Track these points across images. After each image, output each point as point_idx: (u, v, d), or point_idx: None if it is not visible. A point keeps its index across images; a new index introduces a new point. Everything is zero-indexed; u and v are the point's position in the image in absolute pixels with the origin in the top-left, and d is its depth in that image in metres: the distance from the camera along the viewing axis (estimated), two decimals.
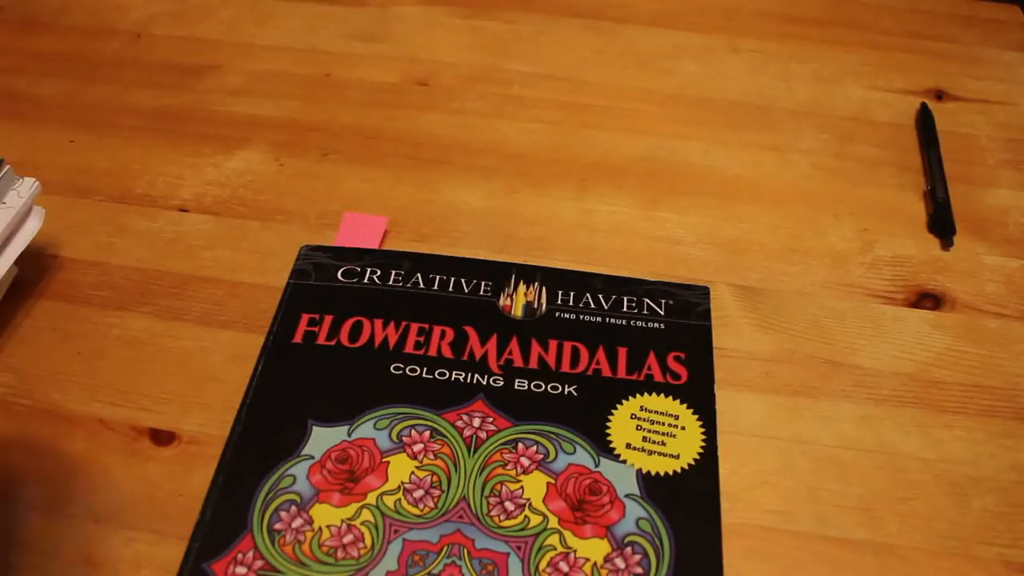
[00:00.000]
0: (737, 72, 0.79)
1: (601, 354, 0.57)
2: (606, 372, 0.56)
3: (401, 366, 0.56)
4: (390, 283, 0.61)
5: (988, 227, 0.67)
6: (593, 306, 0.60)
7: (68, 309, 0.61)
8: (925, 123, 0.73)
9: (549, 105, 0.75)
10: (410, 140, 0.72)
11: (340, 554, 0.47)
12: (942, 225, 0.66)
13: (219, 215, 0.65)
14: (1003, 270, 0.65)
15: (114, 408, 0.56)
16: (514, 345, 0.57)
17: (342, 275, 0.61)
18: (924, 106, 0.75)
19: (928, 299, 0.63)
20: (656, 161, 0.71)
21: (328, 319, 0.58)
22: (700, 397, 0.55)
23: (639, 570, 0.47)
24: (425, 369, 0.56)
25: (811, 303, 0.62)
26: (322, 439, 0.52)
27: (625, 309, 0.60)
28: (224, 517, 0.49)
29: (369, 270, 0.62)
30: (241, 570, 0.47)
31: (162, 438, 0.55)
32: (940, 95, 0.77)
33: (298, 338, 0.57)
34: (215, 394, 0.57)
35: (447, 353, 0.57)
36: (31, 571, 0.49)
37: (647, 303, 0.60)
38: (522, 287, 0.61)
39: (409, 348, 0.57)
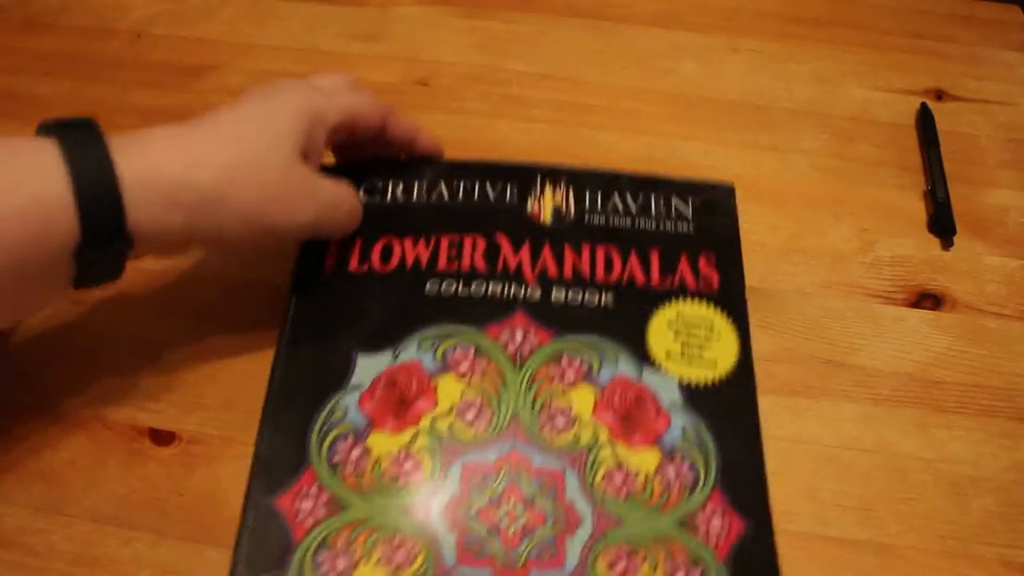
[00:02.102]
0: (737, 72, 0.79)
1: (634, 260, 0.58)
2: (640, 279, 0.57)
3: (437, 283, 0.56)
4: (414, 198, 0.60)
5: (988, 227, 0.67)
6: (622, 209, 0.60)
7: (68, 308, 0.60)
8: (925, 123, 0.73)
9: (549, 105, 0.75)
10: None
11: (402, 481, 0.49)
12: (942, 225, 0.66)
13: None
14: (1003, 270, 0.65)
15: (114, 408, 0.56)
16: (547, 253, 0.58)
17: (364, 191, 0.60)
18: (924, 106, 0.75)
19: (928, 299, 0.63)
20: (656, 161, 0.71)
21: (357, 243, 0.58)
22: (733, 304, 0.57)
23: (689, 478, 0.50)
24: (461, 283, 0.56)
25: (811, 303, 0.62)
26: (368, 367, 0.53)
27: (653, 211, 0.60)
28: (281, 453, 0.50)
29: (391, 183, 0.61)
30: (307, 504, 0.48)
31: (162, 438, 0.55)
32: (940, 95, 0.77)
33: (329, 267, 0.57)
34: (215, 394, 0.57)
35: (480, 265, 0.57)
36: (31, 571, 0.49)
37: (675, 204, 0.61)
38: (548, 190, 0.61)
39: (442, 264, 0.57)
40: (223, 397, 0.57)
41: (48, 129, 0.46)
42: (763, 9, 0.84)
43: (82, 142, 0.45)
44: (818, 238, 0.66)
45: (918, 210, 0.68)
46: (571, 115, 0.75)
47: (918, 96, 0.76)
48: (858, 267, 0.65)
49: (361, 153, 0.61)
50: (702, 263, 0.58)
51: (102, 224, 0.45)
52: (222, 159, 0.49)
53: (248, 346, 0.59)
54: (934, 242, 0.67)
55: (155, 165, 0.47)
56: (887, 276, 0.64)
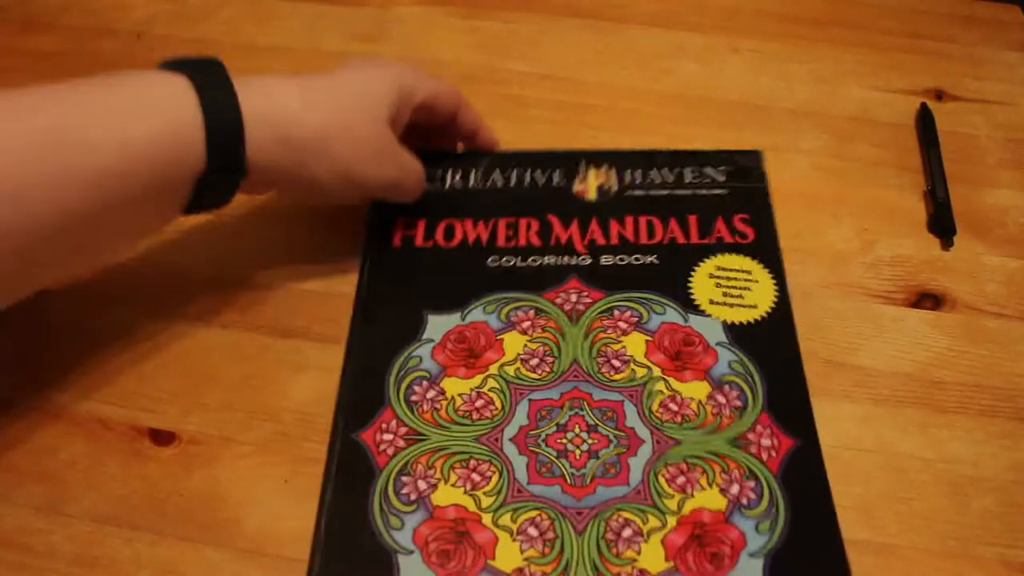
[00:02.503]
0: (737, 72, 0.79)
1: (674, 224, 0.64)
2: (681, 240, 0.63)
3: (497, 259, 0.62)
4: (471, 184, 0.66)
5: (988, 227, 0.67)
6: (659, 181, 0.66)
7: (68, 308, 0.61)
8: (925, 123, 0.73)
9: (549, 105, 0.75)
10: None
11: (475, 416, 0.55)
12: (942, 225, 0.66)
13: (221, 215, 0.65)
14: (1003, 270, 0.65)
15: (114, 408, 0.56)
16: (594, 226, 0.64)
17: (425, 179, 0.63)
18: (924, 106, 0.75)
19: (928, 299, 0.63)
20: None
21: (421, 223, 0.64)
22: (768, 253, 0.63)
23: (738, 403, 0.55)
24: (519, 259, 0.62)
25: (811, 303, 0.62)
26: (438, 325, 0.59)
27: (688, 180, 0.67)
28: (363, 395, 0.55)
29: (450, 171, 0.67)
30: (388, 436, 0.54)
31: (162, 438, 0.55)
32: (940, 95, 0.77)
33: (397, 242, 0.63)
34: (215, 394, 0.57)
35: (536, 242, 0.63)
36: (31, 571, 0.49)
37: (708, 172, 0.67)
38: (592, 171, 0.67)
39: (501, 242, 0.63)
40: (223, 398, 0.57)
41: (175, 65, 0.51)
42: (763, 9, 0.84)
43: (209, 78, 0.51)
44: (818, 238, 0.66)
45: (918, 210, 0.68)
46: (571, 115, 0.75)
47: (918, 96, 0.76)
48: (858, 267, 0.65)
49: (426, 141, 0.65)
50: (737, 222, 0.64)
51: (225, 152, 0.51)
52: (331, 106, 0.55)
53: (250, 348, 0.59)
54: (934, 242, 0.67)
55: (273, 101, 0.53)
56: (887, 276, 0.64)
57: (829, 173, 0.71)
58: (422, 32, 0.82)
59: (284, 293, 0.62)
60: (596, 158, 0.68)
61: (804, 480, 0.52)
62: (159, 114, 0.49)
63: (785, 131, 0.74)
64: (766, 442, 0.53)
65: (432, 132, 0.66)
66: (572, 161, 0.68)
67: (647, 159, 0.68)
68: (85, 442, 0.55)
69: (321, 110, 0.54)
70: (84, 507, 0.52)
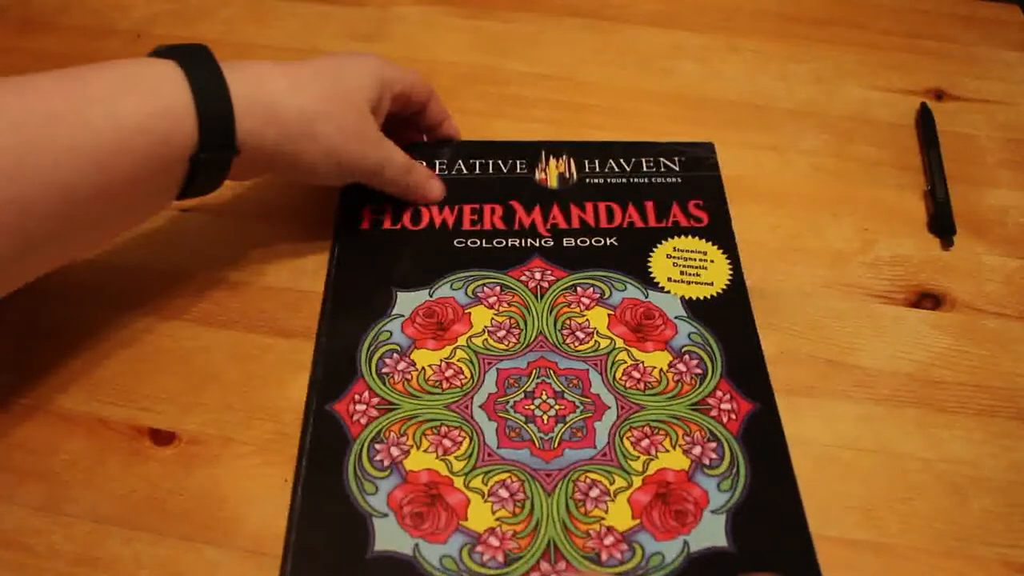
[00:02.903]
0: (736, 72, 0.79)
1: (632, 209, 0.66)
2: (639, 223, 0.65)
3: (463, 240, 0.64)
4: (436, 172, 0.68)
5: (988, 227, 0.67)
6: (617, 170, 0.69)
7: (68, 308, 0.61)
8: (925, 123, 0.73)
9: (548, 105, 0.75)
10: None
11: (445, 385, 0.56)
12: (942, 225, 0.67)
13: (220, 215, 0.65)
14: (1003, 270, 0.65)
15: (114, 408, 0.56)
16: (556, 211, 0.66)
17: None
18: (924, 106, 0.75)
19: (928, 299, 0.63)
20: None
21: (388, 208, 0.66)
22: (722, 235, 0.65)
23: (699, 371, 0.57)
24: (484, 240, 0.64)
25: (811, 303, 0.62)
26: (407, 301, 0.61)
27: (644, 169, 0.69)
28: (335, 369, 0.57)
29: (417, 161, 0.66)
30: (361, 407, 0.55)
31: (162, 438, 0.55)
32: (940, 95, 0.77)
33: (365, 225, 0.65)
34: (215, 394, 0.57)
35: (500, 225, 0.65)
36: (31, 571, 0.49)
37: (663, 162, 0.70)
38: (552, 161, 0.70)
39: (467, 225, 0.65)
40: (223, 397, 0.57)
41: (164, 52, 0.53)
42: (762, 9, 0.84)
43: (198, 62, 0.53)
44: (818, 238, 0.66)
45: (918, 210, 0.69)
46: (570, 115, 0.75)
47: (918, 96, 0.77)
48: (858, 267, 0.65)
49: (396, 133, 0.65)
50: (691, 207, 0.67)
51: (216, 130, 0.52)
52: (317, 89, 0.57)
53: (250, 348, 0.59)
54: (934, 242, 0.67)
55: (261, 83, 0.55)
56: (887, 276, 0.64)
57: (829, 173, 0.71)
58: (422, 32, 0.82)
59: (285, 293, 0.62)
60: (556, 148, 0.70)
61: (763, 441, 0.54)
62: (151, 94, 0.50)
63: (785, 131, 0.74)
64: (726, 406, 0.55)
65: (402, 124, 0.68)
66: (533, 151, 0.70)
67: (605, 150, 0.70)
68: (85, 442, 0.54)
69: (307, 93, 0.56)
70: (84, 507, 0.52)
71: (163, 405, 0.56)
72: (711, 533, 0.50)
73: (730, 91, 0.77)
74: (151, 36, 0.81)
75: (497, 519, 0.51)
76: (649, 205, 0.67)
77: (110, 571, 0.50)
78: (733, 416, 0.55)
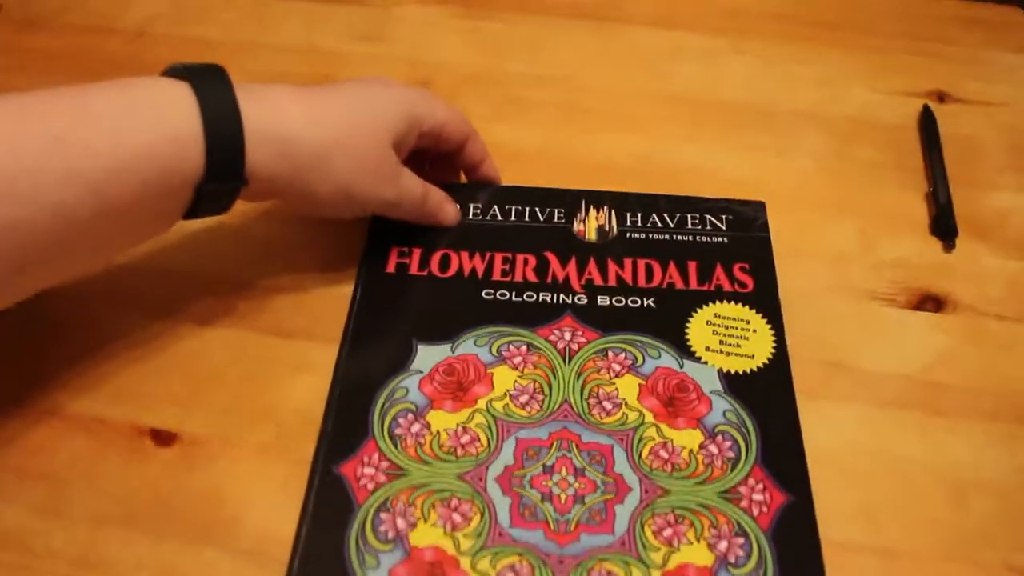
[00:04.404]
0: (738, 74, 0.79)
1: (672, 268, 0.62)
2: (679, 285, 0.62)
3: (492, 292, 0.61)
4: (469, 217, 0.65)
5: (990, 229, 0.67)
6: (660, 225, 0.65)
7: (69, 307, 0.61)
8: (927, 125, 0.73)
9: (549, 106, 0.75)
10: None
11: (460, 452, 0.53)
12: (944, 227, 0.66)
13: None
14: (1005, 272, 0.65)
15: (115, 407, 0.56)
16: (592, 266, 0.63)
17: None
18: (926, 108, 0.75)
19: (930, 301, 0.63)
20: (657, 163, 0.71)
21: (417, 252, 0.63)
22: (767, 303, 0.61)
23: (731, 454, 0.53)
24: (514, 293, 0.61)
25: (812, 305, 0.62)
26: (428, 356, 0.58)
27: (689, 226, 0.65)
28: (345, 427, 0.54)
29: None
30: (369, 471, 0.52)
31: (163, 438, 0.55)
32: (942, 97, 0.77)
33: (391, 268, 0.62)
34: (217, 395, 0.57)
35: (532, 278, 0.62)
36: (31, 572, 0.49)
37: (709, 219, 0.65)
38: (592, 212, 0.66)
39: (496, 276, 0.62)
40: (225, 398, 0.57)
41: (179, 71, 0.51)
42: (765, 11, 0.84)
43: (212, 86, 0.51)
44: (820, 240, 0.66)
45: (920, 212, 0.68)
46: (571, 117, 0.75)
47: (920, 98, 0.76)
48: (860, 269, 0.65)
49: (430, 171, 0.64)
50: (736, 270, 0.62)
51: (224, 162, 0.50)
52: (336, 122, 0.55)
53: (253, 349, 0.59)
54: (936, 244, 0.66)
55: (276, 113, 0.53)
56: (889, 278, 0.64)
57: (831, 175, 0.71)
58: (423, 32, 0.82)
59: (286, 294, 0.62)
60: (597, 198, 0.67)
61: (795, 539, 0.50)
62: (159, 121, 0.49)
63: (787, 133, 0.74)
64: (758, 496, 0.52)
65: (437, 160, 0.66)
66: (573, 200, 0.67)
67: (649, 202, 0.67)
68: (85, 441, 0.54)
69: (324, 126, 0.54)
70: (84, 507, 0.52)
71: (164, 405, 0.56)
72: None
73: (733, 93, 0.77)
74: (151, 35, 0.81)
75: None
76: (692, 266, 0.63)
77: (110, 572, 0.50)
78: (765, 508, 0.51)
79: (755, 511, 0.51)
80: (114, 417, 0.56)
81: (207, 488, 0.53)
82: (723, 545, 0.50)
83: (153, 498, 0.52)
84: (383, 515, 0.51)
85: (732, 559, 0.49)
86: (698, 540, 0.50)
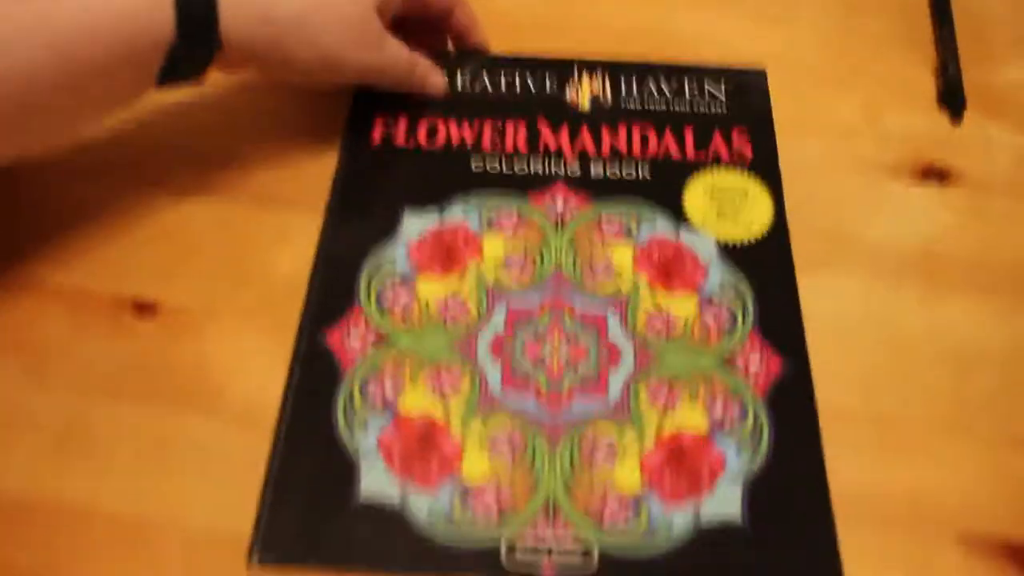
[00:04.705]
0: None
1: (669, 137, 0.61)
2: (676, 154, 0.60)
3: (481, 163, 0.59)
4: (458, 86, 0.63)
5: (998, 103, 0.65)
6: (656, 94, 0.63)
7: (47, 180, 0.59)
8: None
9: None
10: None
11: (449, 319, 0.53)
12: (952, 100, 0.65)
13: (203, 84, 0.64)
14: (1012, 147, 0.63)
15: (95, 280, 0.55)
16: (585, 135, 0.61)
17: None
18: None
19: (935, 174, 0.61)
20: (655, 30, 0.69)
21: (403, 122, 0.61)
22: (767, 171, 0.59)
23: (728, 322, 0.53)
24: (504, 164, 0.59)
25: (813, 176, 0.61)
26: (415, 224, 0.56)
27: (687, 95, 0.63)
28: (330, 295, 0.53)
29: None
30: (355, 339, 0.52)
31: (145, 309, 0.54)
32: None
33: (376, 140, 0.61)
34: (199, 265, 0.56)
35: (523, 148, 0.60)
36: (13, 445, 0.49)
37: (708, 88, 0.63)
38: (586, 80, 0.64)
39: (486, 146, 0.60)
40: (207, 269, 0.56)
41: None
42: None
43: None
44: (825, 112, 0.64)
45: (928, 85, 0.67)
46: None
47: None
48: (864, 141, 0.63)
49: (416, 39, 0.62)
50: (735, 137, 0.61)
51: (195, 23, 0.49)
52: None
53: (236, 218, 0.58)
54: (943, 118, 0.65)
55: None
56: (894, 150, 0.62)
57: (837, 46, 0.69)
58: None
59: (268, 164, 0.60)
60: (591, 66, 0.64)
61: (791, 405, 0.50)
62: None
63: (792, 3, 0.71)
64: (755, 364, 0.51)
65: (424, 28, 0.63)
66: (566, 68, 0.64)
67: (645, 70, 0.64)
68: (65, 315, 0.54)
69: None
70: (67, 380, 0.51)
71: (145, 277, 0.55)
72: (725, 504, 0.47)
73: None
74: None
75: (494, 471, 0.48)
76: (689, 134, 0.61)
77: (95, 443, 0.49)
78: (761, 376, 0.51)
79: (752, 378, 0.50)
80: (95, 289, 0.55)
81: (191, 357, 0.52)
82: (719, 411, 0.49)
83: (136, 368, 0.52)
84: (371, 382, 0.50)
85: (727, 425, 0.49)
86: (693, 404, 0.50)
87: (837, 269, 0.56)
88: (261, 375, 0.51)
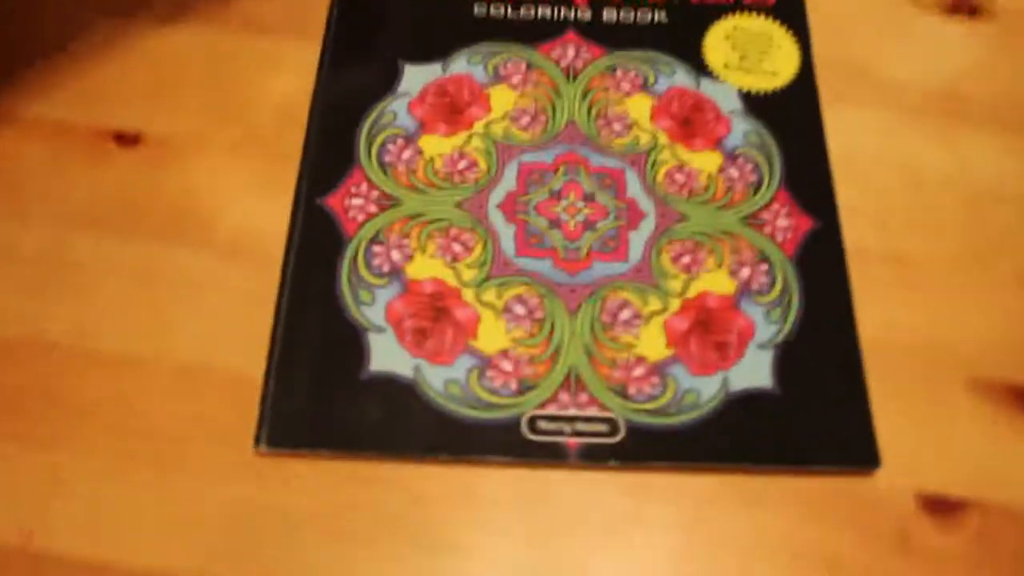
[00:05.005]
0: None
1: None
2: None
3: (484, 6, 0.55)
4: None
5: None
6: None
7: (20, 6, 0.57)
8: None
9: None
10: None
11: (457, 178, 0.49)
12: None
13: None
14: None
15: (73, 111, 0.53)
16: None
17: None
18: None
19: (965, 6, 0.58)
20: None
21: None
22: (793, 15, 0.56)
23: (753, 178, 0.50)
24: (509, 7, 0.55)
25: (838, 7, 0.57)
26: (416, 76, 0.53)
27: None
28: (330, 154, 0.50)
29: None
30: (358, 201, 0.48)
31: (127, 139, 0.52)
32: None
33: None
34: (184, 93, 0.54)
35: None
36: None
37: None
38: None
39: None
40: (193, 97, 0.54)
41: None
42: None
43: None
44: None
45: None
46: None
47: None
48: None
49: None
50: None
51: None
52: None
53: (219, 46, 0.56)
54: None
55: None
56: None
57: None
58: None
59: None
60: None
61: (821, 266, 0.48)
62: None
63: None
64: (782, 222, 0.48)
65: None
66: None
67: None
68: (44, 147, 0.52)
69: None
70: (49, 213, 0.50)
71: (127, 107, 0.53)
72: (754, 370, 0.44)
73: None
74: None
75: (512, 340, 0.45)
76: None
77: (81, 274, 0.48)
78: (789, 234, 0.48)
79: (779, 237, 0.48)
80: (74, 120, 0.52)
81: (177, 188, 0.51)
82: (745, 272, 0.47)
83: (121, 200, 0.50)
84: (376, 248, 0.47)
85: (755, 286, 0.47)
86: (719, 267, 0.47)
87: (859, 105, 0.54)
88: (251, 208, 0.50)
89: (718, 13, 0.55)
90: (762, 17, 0.55)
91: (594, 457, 0.43)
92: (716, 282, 0.47)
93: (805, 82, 0.53)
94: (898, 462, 0.44)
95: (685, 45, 0.54)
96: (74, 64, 0.55)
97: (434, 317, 0.46)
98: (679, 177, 0.50)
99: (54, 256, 0.48)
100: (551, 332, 0.45)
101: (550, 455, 0.43)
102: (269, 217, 0.49)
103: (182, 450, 0.43)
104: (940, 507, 0.43)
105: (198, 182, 0.51)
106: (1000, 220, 0.51)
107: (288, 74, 0.54)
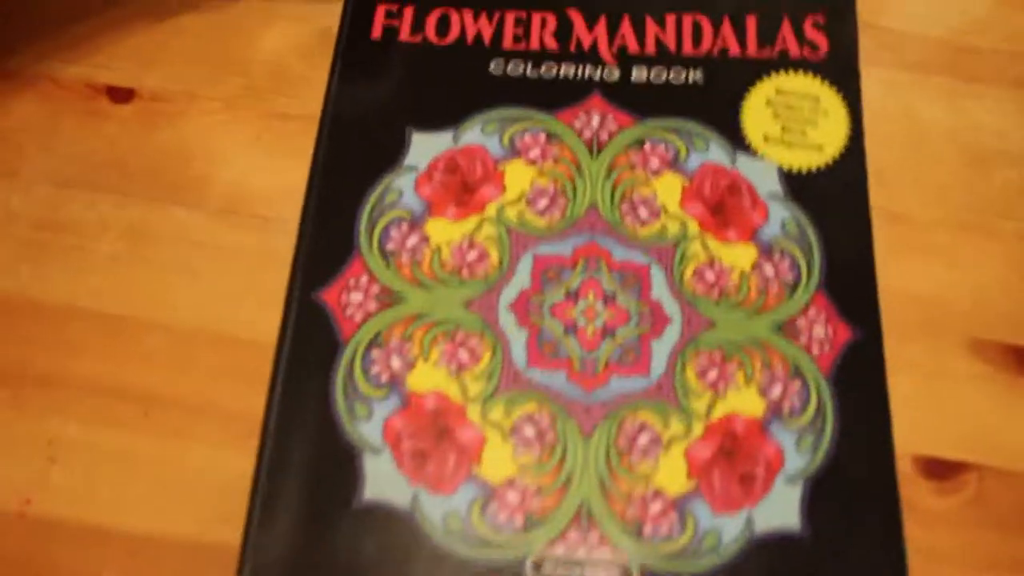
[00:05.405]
0: None
1: (727, 27, 0.52)
2: (734, 51, 0.51)
3: (502, 63, 0.51)
4: None
5: None
6: None
7: None
8: None
9: None
10: None
11: (465, 272, 0.45)
12: None
13: None
14: None
15: (65, 66, 0.52)
16: (626, 28, 0.52)
17: None
18: None
19: None
20: None
21: (408, 11, 0.52)
22: (844, 72, 0.51)
23: (789, 277, 0.46)
24: (530, 65, 0.51)
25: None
26: (425, 147, 0.48)
27: None
28: (326, 242, 0.46)
29: None
30: (356, 296, 0.44)
31: (120, 95, 0.51)
32: None
33: (376, 34, 0.51)
34: (178, 47, 0.53)
35: (551, 45, 0.51)
36: None
37: None
38: None
39: (508, 42, 0.51)
40: (187, 51, 0.53)
41: None
42: None
43: None
44: None
45: None
46: None
47: None
48: None
49: None
50: (808, 26, 0.52)
51: None
52: None
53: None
54: None
55: None
56: None
57: None
58: None
59: None
60: None
61: (859, 385, 0.43)
62: None
63: None
64: (819, 331, 0.44)
65: None
66: None
67: None
68: (36, 103, 0.51)
69: None
70: (41, 170, 0.49)
71: (119, 62, 0.52)
72: (781, 508, 0.41)
73: None
74: None
75: (519, 466, 0.41)
76: (751, 22, 0.51)
77: (74, 234, 0.48)
78: (826, 346, 0.44)
79: (815, 349, 0.44)
80: (65, 76, 0.52)
81: (172, 146, 0.50)
82: (777, 390, 0.43)
83: (114, 158, 0.50)
84: (375, 353, 0.43)
85: (787, 408, 0.43)
86: (748, 384, 0.43)
87: (860, 58, 0.53)
88: (247, 163, 0.50)
89: (760, 71, 0.51)
90: (809, 75, 0.51)
91: None
92: (744, 402, 0.43)
93: (853, 157, 0.49)
94: (895, 424, 0.43)
95: (722, 112, 0.50)
96: (60, 19, 0.53)
97: (436, 438, 0.42)
98: (709, 275, 0.46)
99: (47, 213, 0.48)
100: (562, 459, 0.42)
101: None
102: (265, 176, 0.49)
103: (180, 415, 0.44)
104: (938, 469, 0.43)
105: (192, 140, 0.50)
106: (1004, 179, 0.52)
107: (285, 27, 0.53)
